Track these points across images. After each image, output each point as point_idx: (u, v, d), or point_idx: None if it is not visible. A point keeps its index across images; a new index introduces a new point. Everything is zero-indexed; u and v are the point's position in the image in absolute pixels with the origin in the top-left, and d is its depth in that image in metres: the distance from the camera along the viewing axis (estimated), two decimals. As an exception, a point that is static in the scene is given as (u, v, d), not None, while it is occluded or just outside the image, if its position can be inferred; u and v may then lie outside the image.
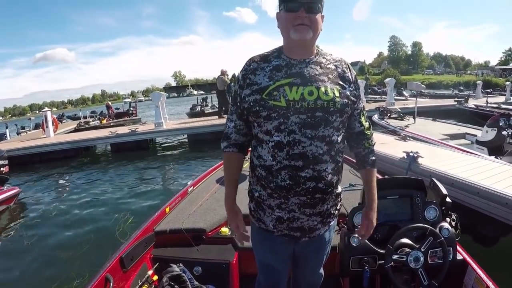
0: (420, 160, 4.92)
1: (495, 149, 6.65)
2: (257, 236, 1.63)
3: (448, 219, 1.99)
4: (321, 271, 1.82)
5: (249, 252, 2.11)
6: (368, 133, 1.60)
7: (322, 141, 1.35)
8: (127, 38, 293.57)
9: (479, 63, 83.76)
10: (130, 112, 24.34)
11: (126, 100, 33.56)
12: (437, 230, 1.80)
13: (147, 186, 8.25)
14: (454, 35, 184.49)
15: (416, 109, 10.68)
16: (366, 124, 1.59)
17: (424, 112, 12.98)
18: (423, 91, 16.61)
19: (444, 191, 2.06)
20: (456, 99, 18.50)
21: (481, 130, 7.61)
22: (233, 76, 14.14)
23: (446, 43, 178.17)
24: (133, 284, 2.24)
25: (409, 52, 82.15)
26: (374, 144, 1.63)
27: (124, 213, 5.56)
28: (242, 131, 1.53)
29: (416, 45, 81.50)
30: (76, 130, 18.59)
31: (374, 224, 1.58)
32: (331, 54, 1.51)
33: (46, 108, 15.84)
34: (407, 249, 1.77)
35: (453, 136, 8.28)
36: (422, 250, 1.74)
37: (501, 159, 5.40)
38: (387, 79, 18.11)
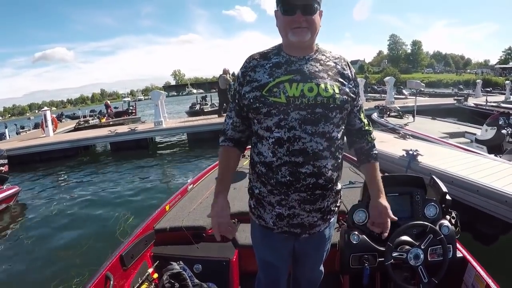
0: (419, 158, 4.92)
1: (495, 147, 6.65)
2: (257, 233, 1.64)
3: (448, 217, 1.99)
4: (321, 268, 1.82)
5: (249, 249, 2.12)
6: (369, 129, 1.62)
7: (322, 137, 1.36)
8: (126, 37, 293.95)
9: (479, 62, 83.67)
10: (130, 111, 24.33)
11: (126, 99, 33.50)
12: (437, 228, 1.80)
13: (147, 184, 8.24)
14: (454, 34, 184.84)
15: (416, 107, 10.68)
16: (366, 121, 1.61)
17: (424, 111, 12.98)
18: (422, 89, 16.62)
19: (444, 189, 2.06)
20: (455, 97, 18.51)
21: (481, 128, 7.62)
22: (233, 75, 14.14)
23: (446, 41, 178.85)
24: (133, 282, 2.25)
25: (409, 51, 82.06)
26: (375, 139, 1.64)
27: (124, 213, 5.56)
28: (238, 128, 1.54)
29: (416, 44, 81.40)
30: (75, 129, 18.60)
31: (390, 214, 1.54)
32: (330, 51, 1.52)
33: (46, 108, 15.83)
34: (407, 247, 1.77)
35: (452, 135, 8.29)
36: (422, 247, 1.74)
37: (500, 157, 5.41)
38: (387, 78, 18.11)
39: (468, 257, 2.03)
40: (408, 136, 7.15)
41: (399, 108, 11.98)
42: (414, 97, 12.08)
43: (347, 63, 1.52)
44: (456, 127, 9.43)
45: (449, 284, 2.01)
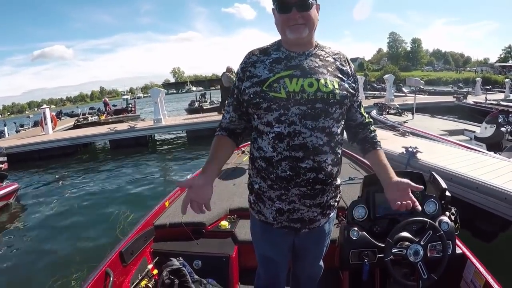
0: (419, 155, 4.93)
1: (494, 145, 6.67)
2: (257, 228, 1.64)
3: (447, 213, 1.99)
4: (321, 263, 1.83)
5: (248, 245, 2.12)
6: (370, 121, 1.65)
7: (322, 132, 1.36)
8: (126, 35, 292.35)
9: (478, 60, 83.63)
10: (129, 109, 24.30)
11: (125, 97, 33.45)
12: (437, 224, 1.79)
13: (147, 182, 8.25)
14: (454, 32, 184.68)
15: (415, 105, 10.68)
16: (366, 115, 1.63)
17: (423, 109, 12.99)
18: (422, 87, 16.66)
19: (444, 185, 2.06)
20: (455, 95, 18.51)
21: (480, 126, 7.63)
22: (233, 73, 14.15)
23: (446, 39, 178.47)
24: (133, 278, 2.25)
25: (409, 49, 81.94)
26: (375, 130, 1.66)
27: (124, 210, 5.55)
28: (234, 123, 1.54)
29: (416, 42, 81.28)
30: (74, 126, 18.57)
31: (413, 184, 1.48)
32: (329, 47, 1.53)
33: (45, 106, 15.79)
34: (407, 243, 1.76)
35: (451, 132, 8.30)
36: (422, 243, 1.74)
37: (500, 155, 5.42)
38: (386, 76, 18.10)
39: (468, 253, 2.03)
40: (407, 134, 7.16)
41: (398, 106, 11.99)
42: (414, 95, 12.09)
43: (346, 59, 1.52)
44: (455, 124, 9.44)
45: (449, 280, 2.01)
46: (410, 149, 5.02)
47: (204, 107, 19.95)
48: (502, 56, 67.03)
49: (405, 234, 1.79)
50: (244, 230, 2.65)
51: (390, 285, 2.07)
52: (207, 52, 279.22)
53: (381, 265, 1.79)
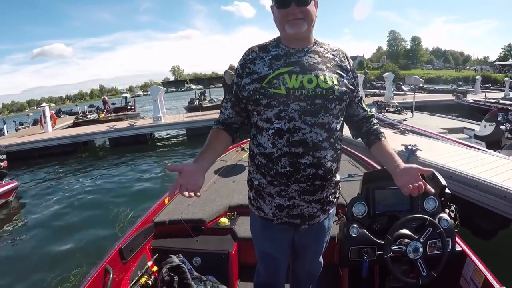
0: (418, 153, 4.93)
1: (493, 143, 6.68)
2: (257, 225, 1.64)
3: (447, 210, 1.99)
4: (321, 259, 1.83)
5: (248, 242, 2.12)
6: (373, 114, 1.65)
7: (321, 128, 1.37)
8: (125, 33, 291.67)
9: (478, 58, 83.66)
10: (129, 107, 24.26)
11: (124, 95, 33.45)
12: (436, 221, 1.79)
13: (146, 180, 8.25)
14: (454, 30, 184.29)
15: (414, 103, 10.68)
16: (368, 109, 1.63)
17: (423, 107, 13.01)
18: (421, 85, 16.63)
19: (444, 182, 2.06)
20: (454, 93, 18.52)
21: (479, 124, 7.63)
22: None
23: (446, 38, 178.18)
24: (132, 275, 2.24)
25: (408, 47, 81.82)
26: (378, 123, 1.67)
27: (124, 208, 5.55)
28: (231, 119, 1.55)
29: (415, 40, 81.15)
30: (74, 124, 18.56)
31: (422, 168, 1.43)
32: (328, 44, 1.53)
33: (44, 104, 15.77)
34: (406, 240, 1.76)
35: (451, 131, 8.31)
36: (421, 241, 1.74)
37: (499, 153, 5.42)
38: (386, 74, 18.15)
39: (467, 251, 2.03)
40: (407, 132, 7.17)
41: (397, 104, 12.01)
42: (413, 93, 12.09)
43: (345, 55, 1.53)
44: (455, 123, 9.45)
45: (448, 277, 2.01)
46: (409, 147, 5.02)
47: (204, 105, 19.93)
48: (502, 54, 66.90)
49: (404, 231, 1.79)
50: (243, 227, 2.65)
51: (389, 282, 2.08)
52: (206, 50, 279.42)
53: (381, 262, 1.79)
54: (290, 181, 1.39)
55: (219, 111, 1.66)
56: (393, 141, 5.89)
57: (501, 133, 6.82)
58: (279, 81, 1.35)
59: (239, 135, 1.61)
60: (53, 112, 18.24)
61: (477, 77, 24.97)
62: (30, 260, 4.55)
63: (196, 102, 22.21)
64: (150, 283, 2.23)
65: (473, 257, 1.97)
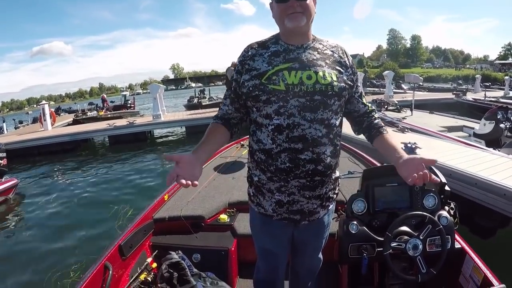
0: (418, 151, 4.94)
1: (493, 141, 6.67)
2: (257, 221, 1.64)
3: (446, 208, 1.99)
4: (320, 255, 1.84)
5: (248, 239, 2.12)
6: (374, 108, 1.65)
7: (321, 124, 1.37)
8: (124, 31, 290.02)
9: (478, 57, 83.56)
10: (128, 105, 24.24)
11: (123, 93, 33.45)
12: (436, 218, 1.79)
13: (146, 177, 8.26)
14: (454, 29, 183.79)
15: (414, 101, 10.68)
16: (369, 105, 1.63)
17: (423, 105, 13.01)
18: (421, 83, 16.62)
19: (443, 179, 2.06)
20: (454, 92, 18.53)
21: (479, 123, 7.63)
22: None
23: (446, 36, 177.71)
24: (132, 271, 2.25)
25: (408, 46, 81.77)
26: (379, 117, 1.67)
27: (123, 205, 5.56)
28: (230, 115, 1.55)
29: (415, 39, 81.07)
30: (74, 121, 18.56)
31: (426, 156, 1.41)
32: (327, 40, 1.53)
33: (44, 101, 15.77)
34: (406, 237, 1.76)
35: (450, 129, 8.32)
36: (421, 238, 1.73)
37: (499, 151, 5.42)
38: (386, 72, 18.12)
39: (467, 248, 2.02)
40: (406, 130, 7.17)
41: (396, 102, 12.01)
42: (412, 91, 12.10)
43: (344, 51, 1.53)
44: (454, 121, 9.46)
45: (447, 275, 2.01)
46: (409, 145, 5.03)
47: (203, 104, 19.92)
48: (502, 53, 66.90)
49: (404, 228, 1.78)
50: (243, 224, 2.66)
51: (389, 279, 2.08)
52: (206, 48, 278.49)
53: (380, 259, 1.79)
54: (289, 177, 1.39)
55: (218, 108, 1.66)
56: (393, 139, 5.90)
57: (500, 131, 6.82)
58: (278, 77, 1.35)
59: (237, 130, 1.60)
60: (53, 110, 18.23)
61: (477, 75, 24.96)
62: (30, 256, 4.56)
63: (195, 100, 22.22)
64: (150, 280, 2.23)
65: (473, 255, 1.97)
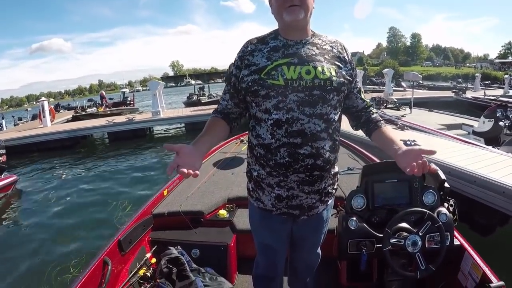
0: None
1: (492, 139, 6.68)
2: (256, 216, 1.64)
3: (446, 204, 1.99)
4: (319, 251, 1.84)
5: (247, 234, 2.12)
6: (372, 104, 1.65)
7: (320, 119, 1.37)
8: (124, 28, 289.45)
9: (478, 56, 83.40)
10: (128, 102, 24.21)
11: (123, 90, 33.45)
12: (435, 215, 1.79)
13: (145, 173, 8.28)
14: (454, 27, 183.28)
15: (413, 99, 10.68)
16: (367, 100, 1.63)
17: (422, 103, 12.99)
18: (420, 81, 16.64)
19: (443, 176, 2.06)
20: (453, 90, 18.52)
21: (478, 121, 7.63)
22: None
23: (446, 35, 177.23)
24: (131, 266, 2.25)
25: (408, 44, 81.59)
26: (377, 112, 1.67)
27: (122, 201, 5.57)
28: (229, 109, 1.55)
29: (415, 37, 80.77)
30: (73, 118, 18.54)
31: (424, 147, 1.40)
32: (326, 36, 1.53)
33: (43, 98, 15.74)
34: (405, 233, 1.76)
35: (449, 127, 8.31)
36: (420, 234, 1.73)
37: (498, 149, 5.42)
38: (385, 70, 18.09)
39: (466, 245, 2.02)
40: (406, 127, 7.17)
41: (395, 100, 12.00)
42: (411, 89, 12.09)
43: (343, 46, 1.53)
44: (453, 119, 9.45)
45: (446, 271, 2.01)
46: (408, 142, 5.03)
47: (202, 101, 19.90)
48: (501, 52, 66.81)
49: (403, 224, 1.79)
50: (242, 219, 2.66)
51: (388, 275, 2.07)
52: (206, 46, 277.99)
53: (379, 255, 1.79)
54: (289, 171, 1.40)
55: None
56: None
57: (499, 129, 6.82)
58: (277, 72, 1.35)
59: (236, 125, 1.60)
60: (52, 106, 18.20)
61: (476, 74, 24.95)
62: (29, 251, 4.58)
63: (195, 98, 22.21)
64: (149, 275, 2.24)
65: (472, 252, 1.97)
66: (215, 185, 3.28)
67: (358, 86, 1.58)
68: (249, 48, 1.46)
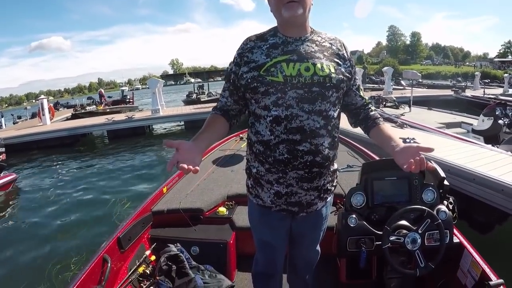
0: (416, 146, 4.93)
1: (491, 138, 6.68)
2: (255, 213, 1.65)
3: (445, 202, 1.99)
4: (318, 248, 1.83)
5: (246, 231, 2.12)
6: (370, 101, 1.65)
7: (319, 116, 1.37)
8: (124, 26, 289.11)
9: (477, 54, 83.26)
10: (127, 100, 24.20)
11: (122, 88, 33.45)
12: (435, 213, 1.79)
13: (144, 171, 8.30)
14: (453, 26, 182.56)
15: (412, 98, 10.68)
16: (366, 97, 1.63)
17: (422, 102, 13.01)
18: (420, 80, 16.63)
19: (442, 174, 2.06)
20: (453, 88, 18.52)
21: (477, 119, 7.63)
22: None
23: (445, 34, 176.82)
24: (130, 264, 2.25)
25: (408, 42, 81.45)
26: (375, 110, 1.67)
27: (121, 198, 5.58)
28: (229, 106, 1.55)
29: (415, 36, 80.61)
30: (72, 116, 18.53)
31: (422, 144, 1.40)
32: (325, 33, 1.53)
33: (42, 96, 15.72)
34: (404, 231, 1.76)
35: (449, 125, 8.32)
36: (419, 232, 1.73)
37: (497, 147, 5.43)
38: (385, 68, 18.09)
39: (465, 243, 2.02)
40: (405, 126, 7.17)
41: (395, 99, 12.01)
42: (411, 88, 12.09)
43: (342, 43, 1.53)
44: (453, 117, 9.46)
45: (445, 269, 2.02)
46: (407, 140, 5.02)
47: (202, 99, 19.89)
48: (501, 51, 66.82)
49: (403, 222, 1.79)
50: (242, 217, 2.66)
51: (387, 272, 2.08)
52: (205, 44, 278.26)
53: (379, 253, 1.79)
54: (288, 168, 1.40)
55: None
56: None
57: (499, 127, 6.82)
58: (276, 69, 1.35)
59: (236, 122, 1.60)
60: (51, 105, 18.19)
61: (476, 73, 24.95)
62: (29, 249, 4.58)
63: (194, 96, 22.21)
64: (148, 272, 2.24)
65: (471, 250, 1.97)
66: (215, 182, 3.27)
67: (357, 84, 1.58)
68: (248, 45, 1.46)
